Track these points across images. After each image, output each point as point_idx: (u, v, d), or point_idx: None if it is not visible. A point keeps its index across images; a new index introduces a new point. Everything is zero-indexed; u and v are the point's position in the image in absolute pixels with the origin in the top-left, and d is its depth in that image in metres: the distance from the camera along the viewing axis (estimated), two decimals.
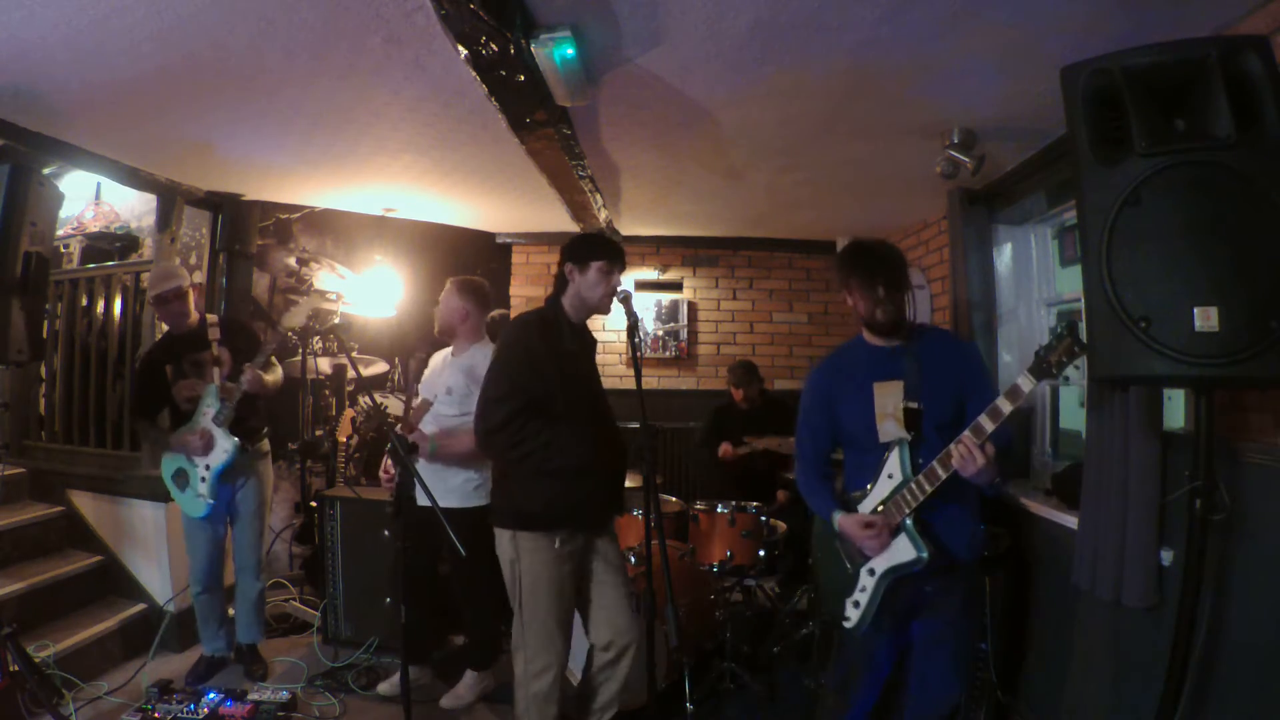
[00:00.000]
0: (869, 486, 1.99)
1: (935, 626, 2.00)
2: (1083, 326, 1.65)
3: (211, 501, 2.87)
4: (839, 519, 2.00)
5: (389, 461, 2.79)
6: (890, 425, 1.95)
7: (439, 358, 3.00)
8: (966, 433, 1.79)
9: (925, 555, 1.88)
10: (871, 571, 1.98)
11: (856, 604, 2.01)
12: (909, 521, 1.90)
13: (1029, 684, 2.60)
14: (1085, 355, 1.66)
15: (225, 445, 2.86)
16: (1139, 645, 2.05)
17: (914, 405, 1.93)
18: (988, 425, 1.77)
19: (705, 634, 3.05)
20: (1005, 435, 1.82)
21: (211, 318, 3.06)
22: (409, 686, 2.16)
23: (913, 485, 1.89)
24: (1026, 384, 1.72)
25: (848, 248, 2.07)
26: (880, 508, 1.94)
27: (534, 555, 2.12)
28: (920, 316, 3.88)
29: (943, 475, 1.83)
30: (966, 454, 1.76)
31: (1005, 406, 1.74)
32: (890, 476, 1.95)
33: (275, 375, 3.00)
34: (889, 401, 1.96)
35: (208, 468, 2.85)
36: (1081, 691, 2.29)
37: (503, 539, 2.19)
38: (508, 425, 2.02)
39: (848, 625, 2.04)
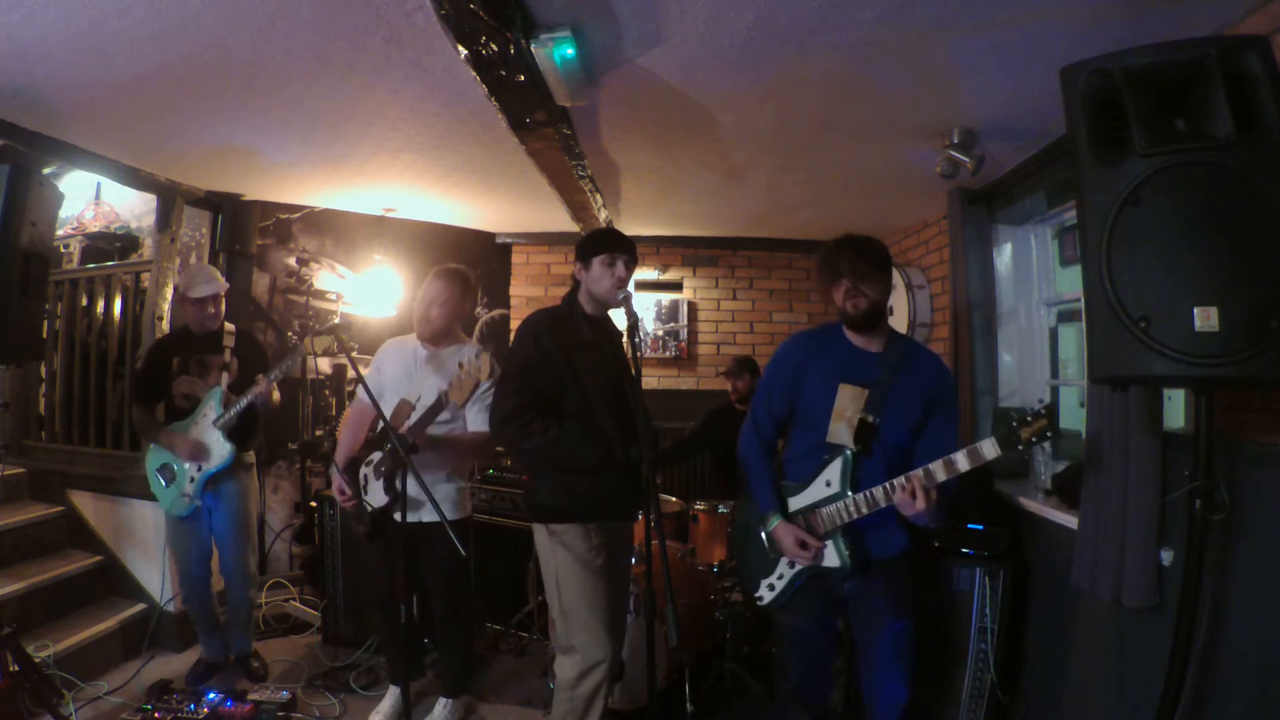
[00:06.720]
0: (803, 484, 2.01)
1: (867, 628, 2.03)
2: (1058, 403, 1.64)
3: (196, 503, 2.86)
4: (776, 525, 2.02)
5: (341, 480, 2.52)
6: (842, 429, 1.96)
7: (403, 354, 2.72)
8: (917, 472, 1.79)
9: (849, 564, 1.93)
10: (791, 564, 2.04)
11: (771, 587, 2.10)
12: (839, 536, 1.94)
13: (1029, 684, 2.60)
14: (1054, 441, 1.66)
15: (221, 451, 2.84)
16: (1139, 645, 2.05)
17: (870, 419, 1.93)
18: (939, 474, 1.78)
19: (705, 634, 3.05)
20: (951, 486, 1.82)
21: (229, 326, 3.05)
22: (408, 686, 2.16)
23: (848, 502, 1.91)
24: (989, 452, 1.74)
25: (828, 244, 2.03)
26: (811, 511, 1.98)
27: (570, 547, 2.12)
28: (920, 316, 3.91)
29: (881, 505, 1.87)
30: (908, 498, 1.78)
31: (962, 464, 1.76)
32: (828, 484, 1.96)
33: (276, 396, 2.96)
34: (849, 405, 1.96)
35: (199, 469, 2.85)
36: (1081, 692, 2.29)
37: (540, 535, 2.19)
38: (515, 418, 2.05)
39: (761, 603, 2.13)
